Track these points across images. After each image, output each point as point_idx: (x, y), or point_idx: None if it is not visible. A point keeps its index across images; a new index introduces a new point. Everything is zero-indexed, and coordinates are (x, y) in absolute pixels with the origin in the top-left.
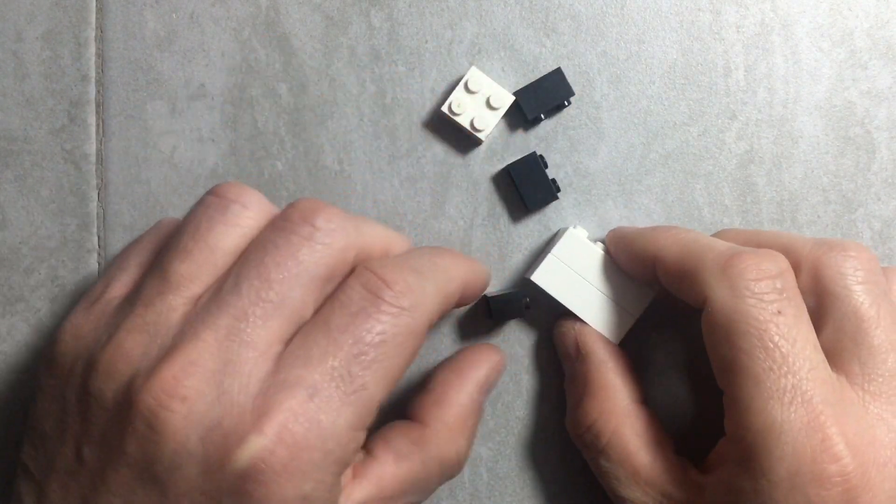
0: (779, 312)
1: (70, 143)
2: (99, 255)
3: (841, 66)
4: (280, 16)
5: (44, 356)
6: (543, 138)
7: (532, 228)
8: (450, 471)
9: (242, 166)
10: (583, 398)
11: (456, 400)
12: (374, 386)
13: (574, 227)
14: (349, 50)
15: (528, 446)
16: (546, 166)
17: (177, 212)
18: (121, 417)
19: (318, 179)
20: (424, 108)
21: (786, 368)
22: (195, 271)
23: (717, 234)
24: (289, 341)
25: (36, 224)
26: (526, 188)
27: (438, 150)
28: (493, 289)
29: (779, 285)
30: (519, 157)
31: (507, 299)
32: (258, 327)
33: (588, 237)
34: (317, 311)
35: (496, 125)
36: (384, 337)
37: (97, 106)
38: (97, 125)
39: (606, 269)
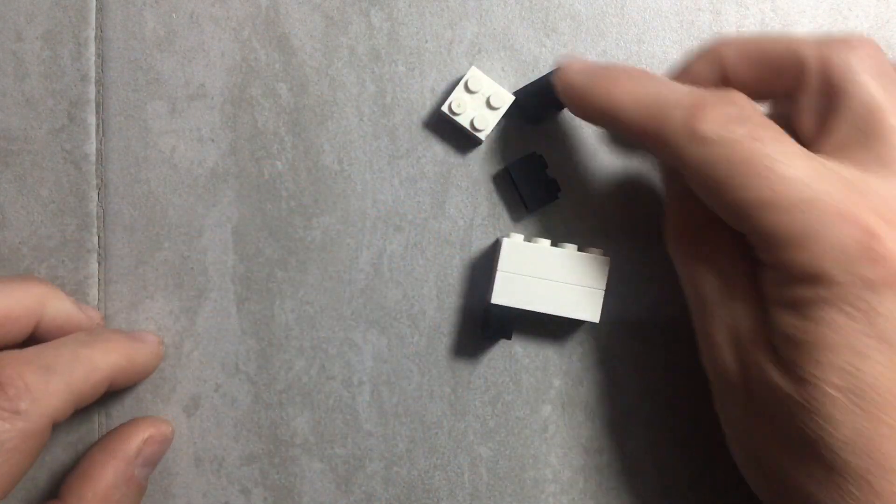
0: (756, 139)
1: (70, 143)
2: (99, 255)
3: None
4: (280, 16)
5: None
6: (543, 138)
7: (532, 228)
8: None
9: (242, 166)
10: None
11: (100, 476)
12: None
13: (508, 237)
14: (349, 50)
15: (528, 446)
16: (546, 166)
17: (177, 212)
18: None
19: (318, 179)
20: (424, 108)
21: (788, 182)
22: None
23: (717, 42)
24: None
25: (36, 224)
26: (526, 188)
27: (438, 149)
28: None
29: (746, 117)
30: (519, 157)
31: (501, 318)
32: None
33: (525, 238)
34: None
35: (496, 125)
36: None
37: (97, 106)
38: (97, 125)
39: (556, 260)
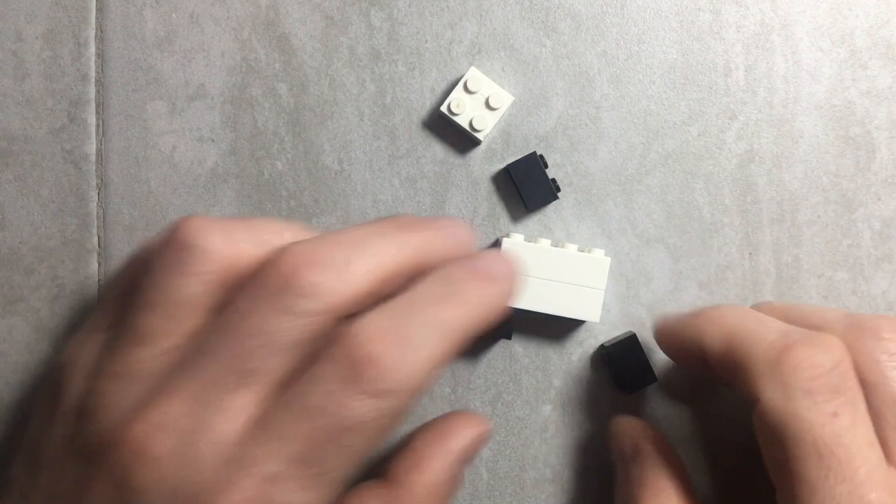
0: (835, 414)
1: (70, 143)
2: (99, 255)
3: (841, 66)
4: (280, 16)
5: (42, 381)
6: (543, 138)
7: (532, 229)
8: None
9: (242, 166)
10: (642, 501)
11: (435, 467)
12: (339, 469)
13: (508, 237)
14: (349, 50)
15: (528, 446)
16: (546, 166)
17: (177, 212)
18: (96, 462)
19: (318, 179)
20: (424, 108)
21: (841, 476)
22: (161, 325)
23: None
24: (262, 410)
25: (36, 224)
26: (526, 188)
27: (438, 149)
28: None
29: (835, 381)
30: (519, 157)
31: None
32: (230, 394)
33: (525, 238)
34: (294, 382)
35: (495, 125)
36: (357, 422)
37: (97, 106)
38: (97, 125)
39: (556, 260)
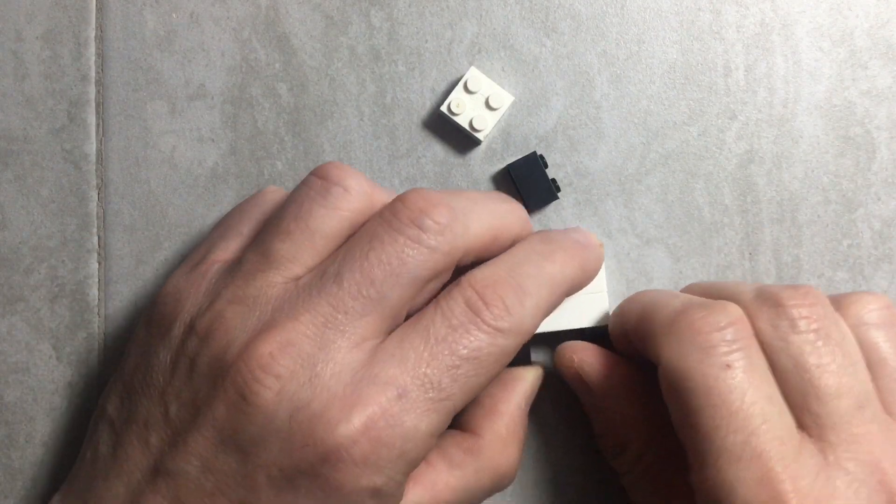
0: (727, 366)
1: (70, 143)
2: (99, 255)
3: (841, 66)
4: (280, 16)
5: (144, 314)
6: (543, 138)
7: (532, 228)
8: (502, 481)
9: (242, 166)
10: (606, 423)
11: (506, 410)
12: (459, 398)
13: None
14: (349, 50)
15: (528, 446)
16: (546, 166)
17: (177, 212)
18: (214, 383)
19: None
20: (424, 108)
21: (735, 425)
22: (295, 252)
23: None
24: (384, 337)
25: (36, 224)
26: (526, 188)
27: (438, 150)
28: None
29: (728, 337)
30: (519, 157)
31: None
32: (355, 320)
33: None
34: (419, 313)
35: (495, 125)
36: (478, 354)
37: (97, 106)
38: (97, 125)
39: None
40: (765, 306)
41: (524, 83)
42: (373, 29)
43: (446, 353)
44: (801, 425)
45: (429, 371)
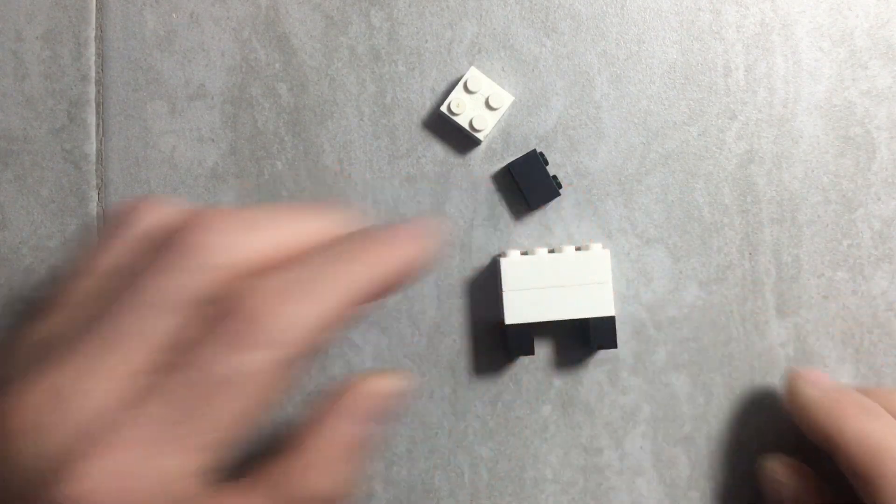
0: None
1: (70, 143)
2: None
3: (841, 66)
4: (280, 16)
5: None
6: (543, 138)
7: (532, 228)
8: (330, 502)
9: (242, 166)
10: None
11: (335, 428)
12: (215, 432)
13: (503, 256)
14: (349, 50)
15: (528, 446)
16: (546, 163)
17: None
18: None
19: (318, 179)
20: (424, 108)
21: None
22: (66, 297)
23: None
24: (142, 372)
25: (36, 224)
26: (527, 186)
27: (438, 149)
28: (493, 288)
29: None
30: (519, 156)
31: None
32: (113, 357)
33: (521, 252)
34: (177, 340)
35: (495, 125)
36: (237, 377)
37: (97, 106)
38: (97, 125)
39: (557, 266)
40: None
41: (524, 83)
42: (373, 29)
43: (195, 379)
44: None
45: (175, 410)
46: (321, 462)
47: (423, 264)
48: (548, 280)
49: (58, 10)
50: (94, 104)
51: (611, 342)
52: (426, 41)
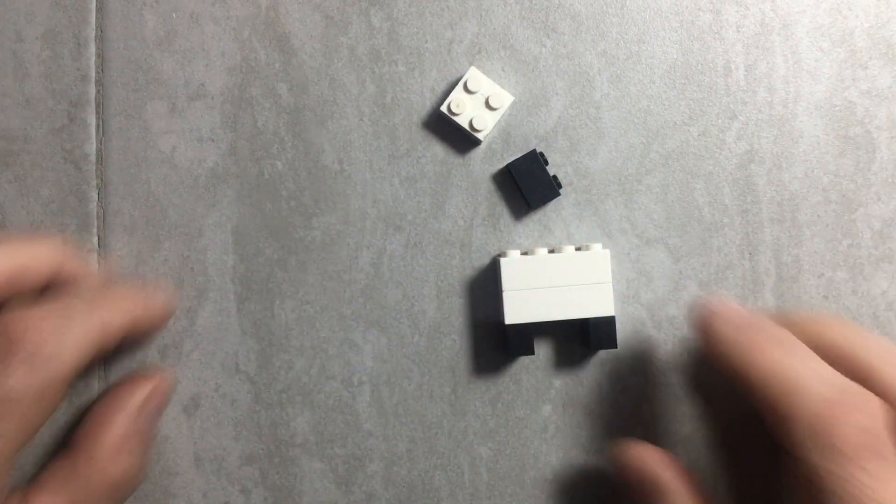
0: (877, 478)
1: (70, 143)
2: (99, 255)
3: (841, 66)
4: (280, 16)
5: None
6: (543, 138)
7: (532, 228)
8: (123, 489)
9: (242, 166)
10: None
11: (114, 423)
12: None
13: (503, 256)
14: (349, 50)
15: (528, 446)
16: (546, 163)
17: (177, 212)
18: None
19: (318, 179)
20: (424, 108)
21: None
22: None
23: (817, 323)
24: None
25: (36, 224)
26: (527, 186)
27: (438, 149)
28: (493, 288)
29: (877, 445)
30: (519, 156)
31: (520, 333)
32: None
33: (520, 252)
34: None
35: (495, 125)
36: (10, 393)
37: (97, 106)
38: (97, 125)
39: (557, 265)
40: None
41: (524, 83)
42: (373, 29)
43: None
44: None
45: None
46: (103, 453)
47: (155, 323)
48: (548, 280)
49: (58, 10)
50: (94, 104)
51: (611, 342)
52: (426, 41)
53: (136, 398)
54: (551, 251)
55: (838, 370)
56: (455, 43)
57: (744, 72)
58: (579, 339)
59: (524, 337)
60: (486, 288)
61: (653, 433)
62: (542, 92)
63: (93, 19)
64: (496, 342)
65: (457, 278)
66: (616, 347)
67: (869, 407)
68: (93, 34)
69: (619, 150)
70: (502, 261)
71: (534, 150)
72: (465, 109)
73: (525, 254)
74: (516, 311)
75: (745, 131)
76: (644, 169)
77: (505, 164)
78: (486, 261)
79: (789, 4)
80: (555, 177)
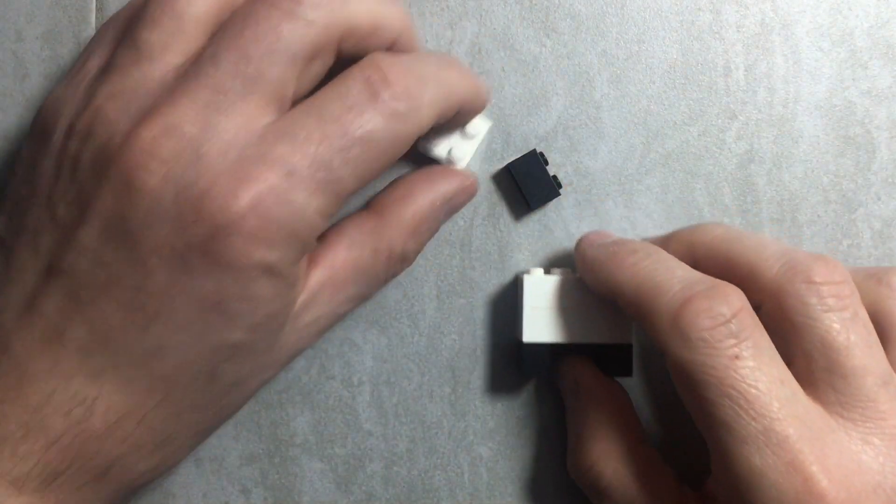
0: (736, 357)
1: None
2: None
3: (841, 66)
4: None
5: (28, 133)
6: (543, 138)
7: (532, 228)
8: (395, 266)
9: None
10: (582, 438)
11: (418, 201)
12: (350, 180)
13: (528, 273)
14: None
15: (528, 446)
16: (546, 163)
17: None
18: (97, 176)
19: None
20: None
21: (753, 412)
22: (165, 40)
23: (693, 231)
24: (273, 117)
25: None
26: (527, 186)
27: None
28: (493, 288)
29: (734, 328)
30: (519, 156)
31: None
32: (237, 100)
33: (543, 271)
34: (315, 94)
35: (475, 154)
36: (373, 136)
37: None
38: None
39: (578, 289)
40: (796, 280)
41: (524, 83)
42: None
43: (339, 133)
44: (823, 402)
45: (319, 151)
46: (403, 225)
47: (477, 109)
48: (569, 301)
49: (58, 10)
50: None
51: (626, 370)
52: (426, 41)
53: (448, 186)
54: (574, 270)
55: (718, 270)
56: (455, 43)
57: (744, 72)
58: (593, 359)
59: (540, 357)
60: (485, 287)
61: (652, 433)
62: (542, 92)
63: (93, 19)
64: (496, 341)
65: (457, 278)
66: (631, 375)
67: (720, 293)
68: (93, 34)
69: (619, 149)
70: (525, 278)
71: (533, 150)
72: (440, 142)
73: (548, 272)
74: (536, 329)
75: (745, 131)
76: (644, 169)
77: (505, 164)
78: (486, 260)
79: (789, 4)
80: (555, 177)
